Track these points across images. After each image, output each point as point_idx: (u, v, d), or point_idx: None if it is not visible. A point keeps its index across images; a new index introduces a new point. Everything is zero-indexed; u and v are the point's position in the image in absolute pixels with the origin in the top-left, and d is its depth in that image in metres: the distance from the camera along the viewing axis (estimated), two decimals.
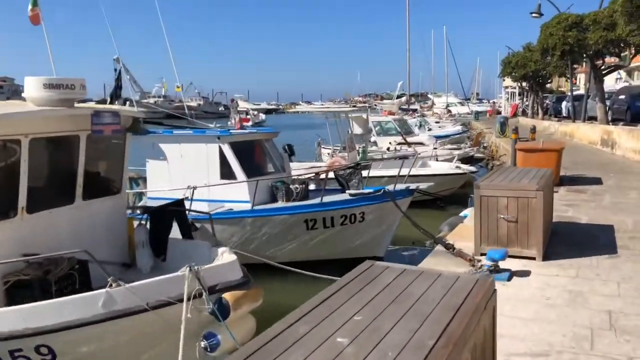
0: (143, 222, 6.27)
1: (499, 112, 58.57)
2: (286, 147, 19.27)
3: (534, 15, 25.80)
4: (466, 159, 17.52)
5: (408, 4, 51.12)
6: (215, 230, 6.34)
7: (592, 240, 6.64)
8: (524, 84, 39.45)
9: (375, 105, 40.06)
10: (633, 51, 18.50)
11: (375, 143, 22.59)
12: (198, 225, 7.29)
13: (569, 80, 30.07)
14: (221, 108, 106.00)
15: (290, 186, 9.08)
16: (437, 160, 16.76)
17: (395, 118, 23.46)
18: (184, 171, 9.28)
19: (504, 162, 17.64)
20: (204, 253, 5.41)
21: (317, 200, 8.86)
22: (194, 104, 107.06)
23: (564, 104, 33.07)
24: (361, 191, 8.66)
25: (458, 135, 32.68)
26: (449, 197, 15.26)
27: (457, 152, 17.66)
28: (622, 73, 43.64)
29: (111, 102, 9.38)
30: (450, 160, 16.57)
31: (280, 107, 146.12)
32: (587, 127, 20.35)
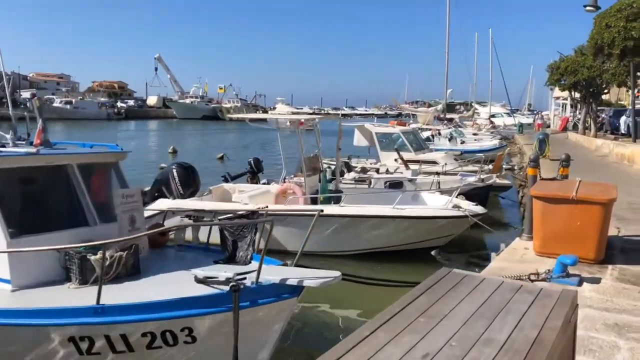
0: None
1: (549, 126, 52.81)
2: (251, 161, 15.43)
3: (588, 9, 20.88)
4: (483, 190, 13.04)
5: (449, 4, 46.55)
6: None
7: None
8: (575, 94, 33.94)
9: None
10: None
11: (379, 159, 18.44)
12: None
13: (630, 90, 24.72)
14: (259, 111, 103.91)
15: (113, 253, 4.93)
16: (438, 188, 12.36)
17: (404, 129, 19.08)
18: None
19: None
20: None
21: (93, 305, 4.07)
22: (230, 105, 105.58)
23: (622, 118, 27.70)
24: (209, 275, 4.47)
25: (493, 151, 27.83)
26: (453, 245, 10.91)
27: (470, 177, 13.12)
28: None
29: None
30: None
31: (324, 111, 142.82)
32: None
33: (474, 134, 40.16)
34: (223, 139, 52.11)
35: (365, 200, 10.83)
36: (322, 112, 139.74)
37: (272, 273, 4.38)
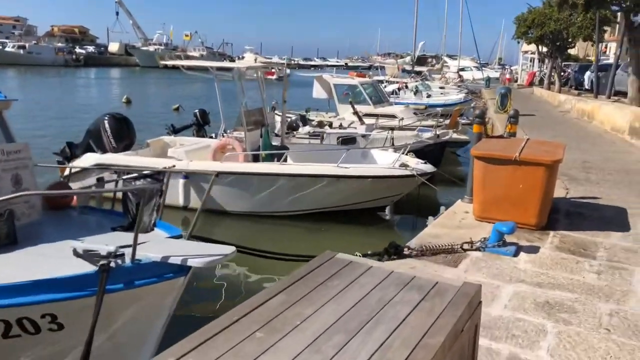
0: None
1: (516, 81, 52.55)
2: (197, 113, 14.48)
3: None
4: (437, 147, 12.49)
5: None
6: None
7: None
8: (542, 48, 33.44)
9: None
10: None
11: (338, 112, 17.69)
12: None
13: (594, 44, 24.32)
14: (226, 60, 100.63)
15: None
16: (392, 145, 11.76)
17: (363, 81, 18.26)
18: None
19: None
20: None
21: None
22: (196, 54, 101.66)
23: (587, 74, 27.42)
24: (89, 248, 3.68)
25: (459, 105, 27.32)
26: (403, 203, 10.44)
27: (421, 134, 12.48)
28: None
29: None
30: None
31: (294, 61, 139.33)
32: (612, 108, 15.08)
33: (441, 88, 39.60)
34: (187, 89, 50.23)
35: (314, 157, 10.20)
36: (293, 62, 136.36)
37: (157, 248, 3.73)
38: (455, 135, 14.25)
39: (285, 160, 9.77)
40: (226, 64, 10.96)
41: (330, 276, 2.24)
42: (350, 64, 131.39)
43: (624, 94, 18.62)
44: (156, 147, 11.30)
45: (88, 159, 9.83)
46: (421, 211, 10.38)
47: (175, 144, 11.70)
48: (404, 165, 9.00)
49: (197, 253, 3.62)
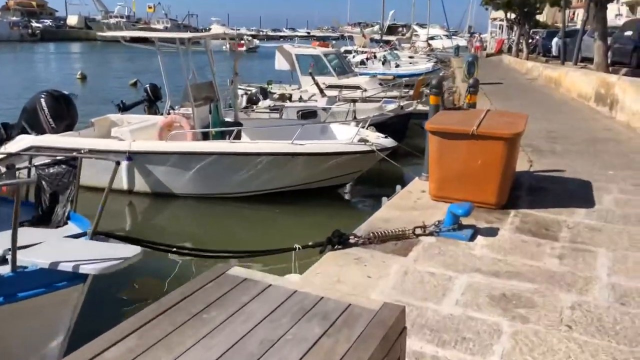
0: None
1: (485, 49, 52.25)
2: (147, 88, 13.61)
3: None
4: (401, 119, 12.00)
5: None
6: None
7: None
8: (511, 15, 33.07)
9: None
10: None
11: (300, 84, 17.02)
12: None
13: (562, 10, 24.03)
14: (192, 31, 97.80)
15: None
16: (354, 119, 11.20)
17: (327, 51, 17.57)
18: None
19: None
20: None
21: None
22: (160, 26, 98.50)
23: (554, 40, 27.25)
24: None
25: (428, 74, 26.82)
26: (364, 180, 9.99)
27: (384, 108, 11.85)
28: (623, 8, 37.41)
29: None
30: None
31: (262, 32, 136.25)
32: (579, 75, 14.81)
33: (410, 57, 39.03)
34: (149, 63, 48.46)
35: (270, 133, 9.60)
36: (261, 33, 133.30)
37: (49, 252, 3.15)
38: (420, 107, 13.78)
39: (239, 137, 9.17)
40: (168, 34, 10.13)
41: (210, 304, 1.72)
42: (319, 34, 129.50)
43: (591, 60, 18.41)
44: (102, 127, 10.54)
45: (22, 141, 9.04)
46: (383, 187, 9.95)
47: (123, 123, 10.95)
48: (363, 141, 8.49)
49: (96, 256, 3.06)
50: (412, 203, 5.26)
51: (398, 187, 5.98)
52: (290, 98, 13.59)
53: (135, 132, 9.35)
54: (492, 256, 4.06)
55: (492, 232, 4.50)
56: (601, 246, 4.28)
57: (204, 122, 9.16)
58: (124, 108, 12.73)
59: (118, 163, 3.88)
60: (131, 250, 3.19)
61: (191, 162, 8.47)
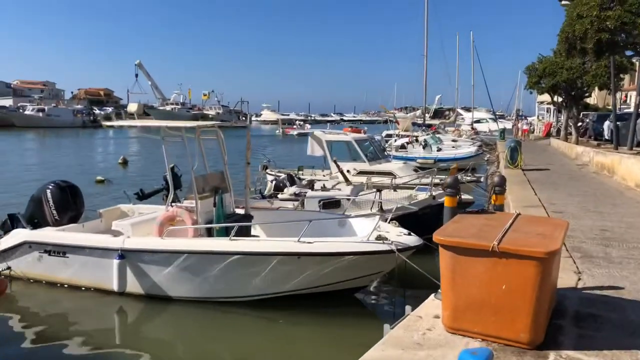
0: None
1: (533, 132, 50.93)
2: (165, 176, 13.11)
3: (564, 2, 19.01)
4: (434, 209, 10.90)
5: (427, 5, 44.57)
6: None
7: None
8: (558, 98, 32.04)
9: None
10: None
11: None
12: None
13: (611, 92, 22.83)
14: (242, 117, 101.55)
15: None
16: (380, 210, 10.20)
17: (358, 137, 16.97)
18: None
19: (516, 211, 10.82)
20: None
21: None
22: (212, 112, 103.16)
23: (606, 123, 25.83)
24: None
25: (469, 159, 25.76)
26: (387, 281, 8.79)
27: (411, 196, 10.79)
28: None
29: None
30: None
31: (311, 117, 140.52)
32: (634, 161, 13.40)
33: (453, 140, 38.24)
34: (192, 147, 49.79)
35: (286, 226, 8.69)
36: (310, 118, 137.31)
37: None
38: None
39: (248, 231, 8.31)
40: (174, 123, 9.76)
41: None
42: (366, 118, 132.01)
43: None
44: (110, 218, 9.98)
45: (16, 236, 8.53)
46: (413, 288, 8.69)
47: (134, 214, 10.40)
48: (380, 238, 7.41)
49: None
50: (420, 337, 4.09)
51: (408, 308, 4.83)
52: (312, 186, 12.81)
53: (137, 225, 8.68)
54: None
55: None
56: None
57: (208, 215, 8.42)
58: (142, 197, 12.25)
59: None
60: None
61: (188, 263, 7.61)
